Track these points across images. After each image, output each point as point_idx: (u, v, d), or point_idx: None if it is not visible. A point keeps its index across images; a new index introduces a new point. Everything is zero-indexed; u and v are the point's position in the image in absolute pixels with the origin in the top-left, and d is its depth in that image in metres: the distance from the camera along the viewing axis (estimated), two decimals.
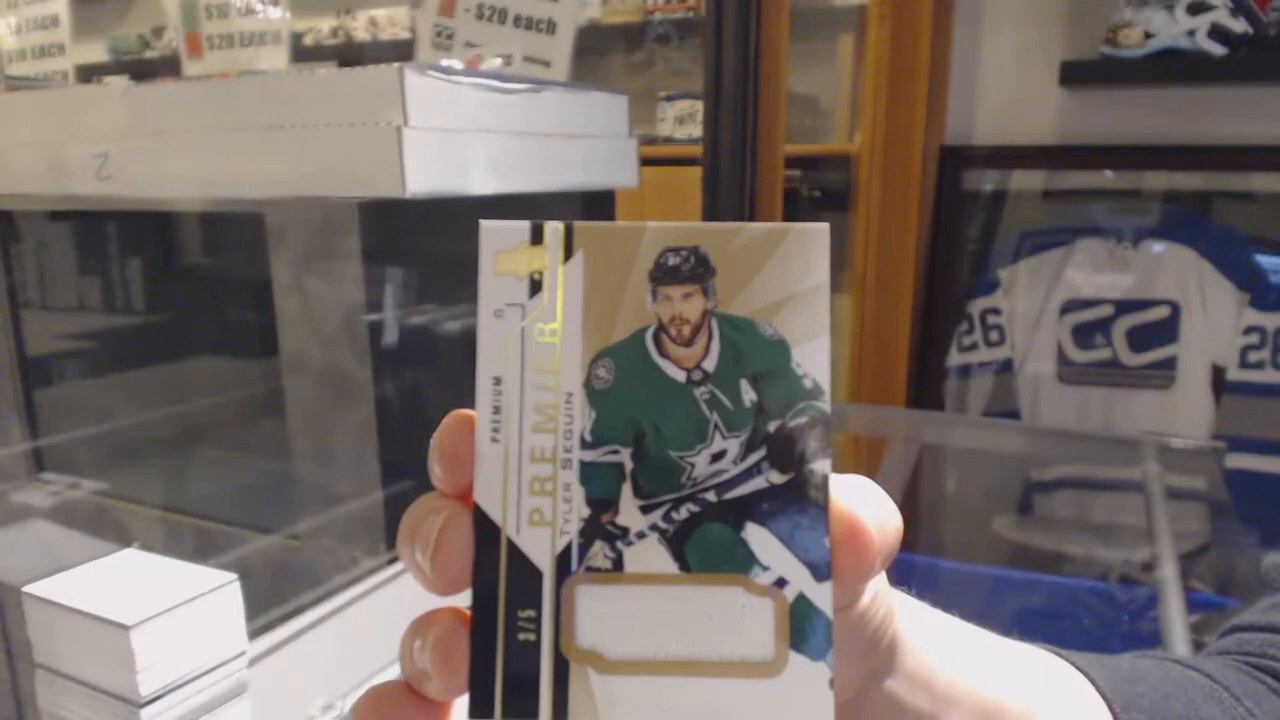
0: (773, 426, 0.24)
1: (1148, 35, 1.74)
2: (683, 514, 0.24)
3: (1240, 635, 0.49)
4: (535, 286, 0.24)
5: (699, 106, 1.76)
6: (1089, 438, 1.76)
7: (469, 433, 0.25)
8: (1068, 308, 1.91)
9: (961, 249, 2.07)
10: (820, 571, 0.24)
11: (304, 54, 3.19)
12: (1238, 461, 1.72)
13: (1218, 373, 1.80)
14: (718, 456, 0.24)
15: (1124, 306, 1.86)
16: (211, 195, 0.90)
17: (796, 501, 0.24)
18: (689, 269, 0.24)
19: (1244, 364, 1.76)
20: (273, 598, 0.79)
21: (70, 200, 0.99)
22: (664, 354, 0.24)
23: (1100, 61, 1.82)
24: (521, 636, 0.24)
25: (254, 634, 0.66)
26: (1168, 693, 0.41)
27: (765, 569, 0.24)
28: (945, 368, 2.05)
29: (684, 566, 0.24)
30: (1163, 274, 1.84)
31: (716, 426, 0.24)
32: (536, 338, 0.24)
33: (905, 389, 2.05)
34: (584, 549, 0.24)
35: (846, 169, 2.37)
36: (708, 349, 0.24)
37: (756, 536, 0.24)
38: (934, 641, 0.33)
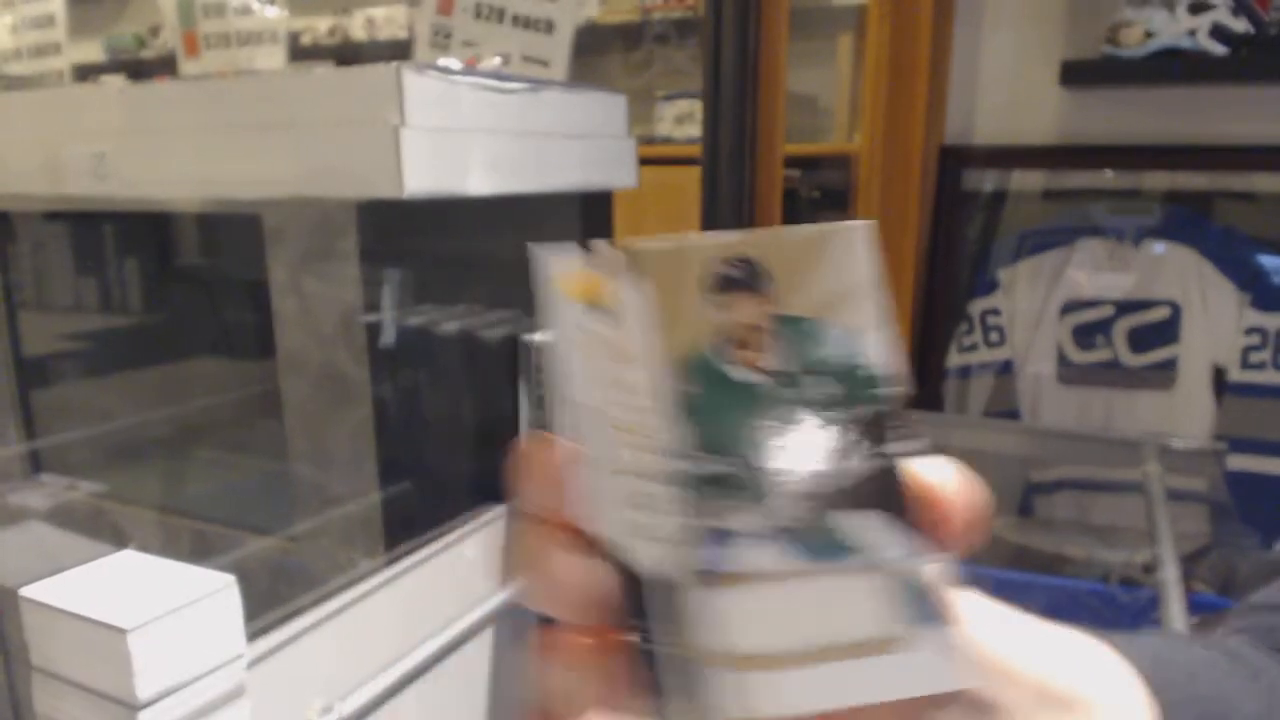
0: (851, 416, 0.25)
1: (1148, 35, 1.73)
2: (784, 510, 0.25)
3: (1257, 618, 0.48)
4: (601, 310, 0.25)
5: (698, 106, 1.77)
6: (1089, 439, 1.76)
7: (559, 456, 0.25)
8: (1068, 308, 1.91)
9: (961, 249, 2.07)
10: (920, 546, 0.25)
11: (301, 53, 3.19)
12: (1239, 463, 1.72)
13: (1219, 373, 1.80)
14: (805, 452, 0.25)
15: (1124, 307, 1.86)
16: (208, 195, 0.89)
17: (886, 484, 0.25)
18: (745, 278, 0.25)
19: (1245, 365, 1.76)
20: (271, 600, 0.79)
21: (66, 200, 0.99)
22: (736, 361, 0.25)
23: (1100, 61, 1.82)
24: (654, 647, 0.24)
25: (252, 636, 0.66)
26: (1192, 672, 0.41)
27: (871, 551, 0.25)
28: (945, 368, 2.05)
29: (797, 560, 0.25)
30: (1163, 274, 1.84)
31: (798, 423, 0.25)
32: (612, 359, 0.24)
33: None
34: (698, 556, 0.24)
35: (846, 169, 2.37)
36: (776, 351, 0.25)
37: (856, 522, 0.25)
38: (984, 621, 0.33)
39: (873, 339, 0.25)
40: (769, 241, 0.25)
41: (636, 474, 0.24)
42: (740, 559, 0.24)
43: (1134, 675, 0.39)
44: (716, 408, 0.25)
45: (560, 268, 0.25)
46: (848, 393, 0.25)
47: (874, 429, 0.25)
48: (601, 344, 0.25)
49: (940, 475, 0.25)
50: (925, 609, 0.25)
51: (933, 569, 0.25)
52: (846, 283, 0.25)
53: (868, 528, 0.25)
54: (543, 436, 0.25)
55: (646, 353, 0.25)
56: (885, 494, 0.25)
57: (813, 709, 0.24)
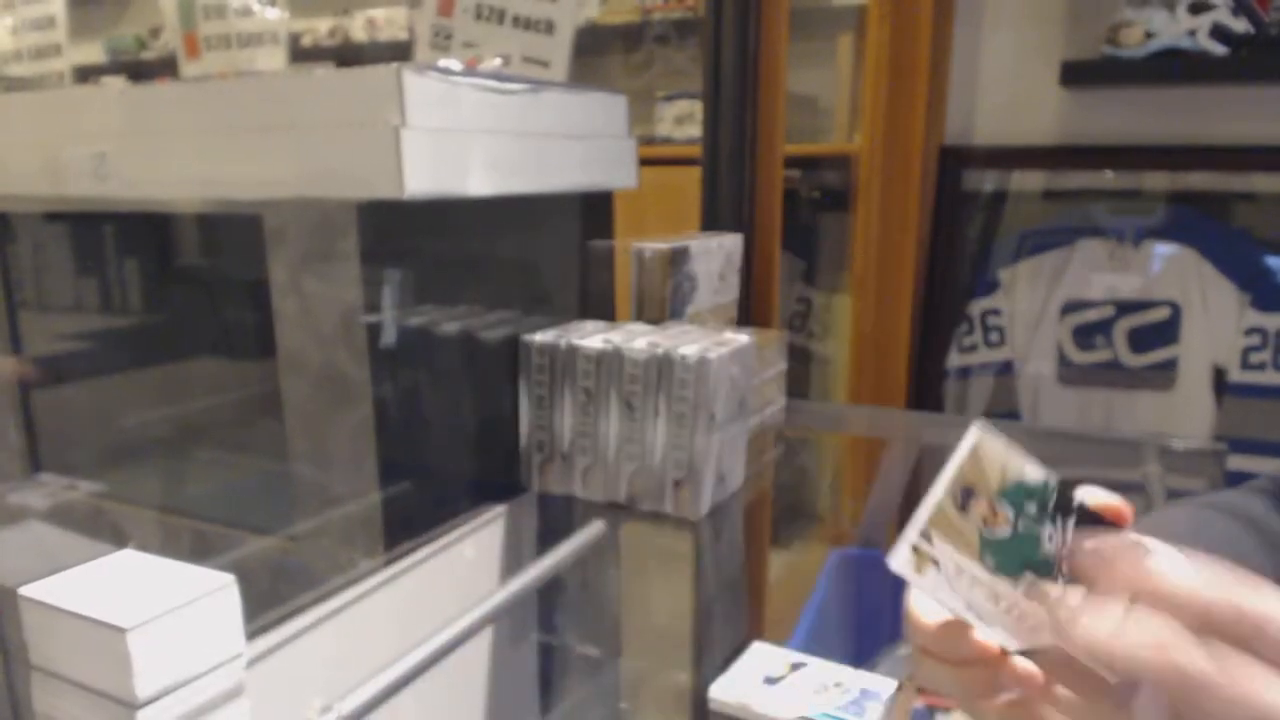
0: (1054, 505, 0.44)
1: (1148, 35, 1.74)
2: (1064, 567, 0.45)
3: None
4: (928, 569, 0.45)
5: (698, 107, 1.77)
6: (1089, 439, 1.75)
7: (972, 635, 0.46)
8: (1068, 308, 1.91)
9: (961, 249, 2.07)
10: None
11: (302, 55, 3.20)
12: (1239, 463, 1.71)
13: (1219, 374, 1.80)
14: (1053, 538, 0.44)
15: (1125, 307, 1.86)
16: (209, 196, 0.90)
17: (1089, 516, 0.45)
18: (970, 495, 0.45)
19: (1245, 365, 1.76)
20: (270, 599, 0.79)
21: (67, 201, 0.99)
22: (994, 529, 0.45)
23: (1101, 61, 1.82)
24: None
25: (251, 635, 0.66)
26: (1219, 540, 0.60)
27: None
28: (945, 369, 2.05)
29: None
30: (1163, 274, 1.84)
31: (1042, 529, 0.44)
32: (960, 579, 0.45)
33: (905, 390, 2.05)
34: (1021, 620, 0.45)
35: (846, 169, 2.37)
36: (1005, 513, 0.45)
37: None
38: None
39: (1028, 467, 0.44)
40: (959, 472, 0.44)
41: (997, 609, 0.45)
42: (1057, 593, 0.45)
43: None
44: (1012, 556, 0.44)
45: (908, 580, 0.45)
46: (1043, 499, 0.44)
47: (1064, 498, 0.44)
48: (951, 578, 0.45)
49: (1103, 496, 0.46)
50: None
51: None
52: (999, 457, 0.44)
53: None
54: (957, 625, 0.46)
55: (967, 563, 0.45)
56: (1092, 519, 0.45)
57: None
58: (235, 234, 0.95)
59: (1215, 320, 1.79)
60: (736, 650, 0.87)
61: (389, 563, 0.87)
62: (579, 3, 1.13)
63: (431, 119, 0.83)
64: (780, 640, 0.89)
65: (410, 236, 0.88)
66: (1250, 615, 0.37)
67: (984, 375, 2.00)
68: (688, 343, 0.98)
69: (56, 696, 0.58)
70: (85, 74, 3.14)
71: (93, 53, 3.71)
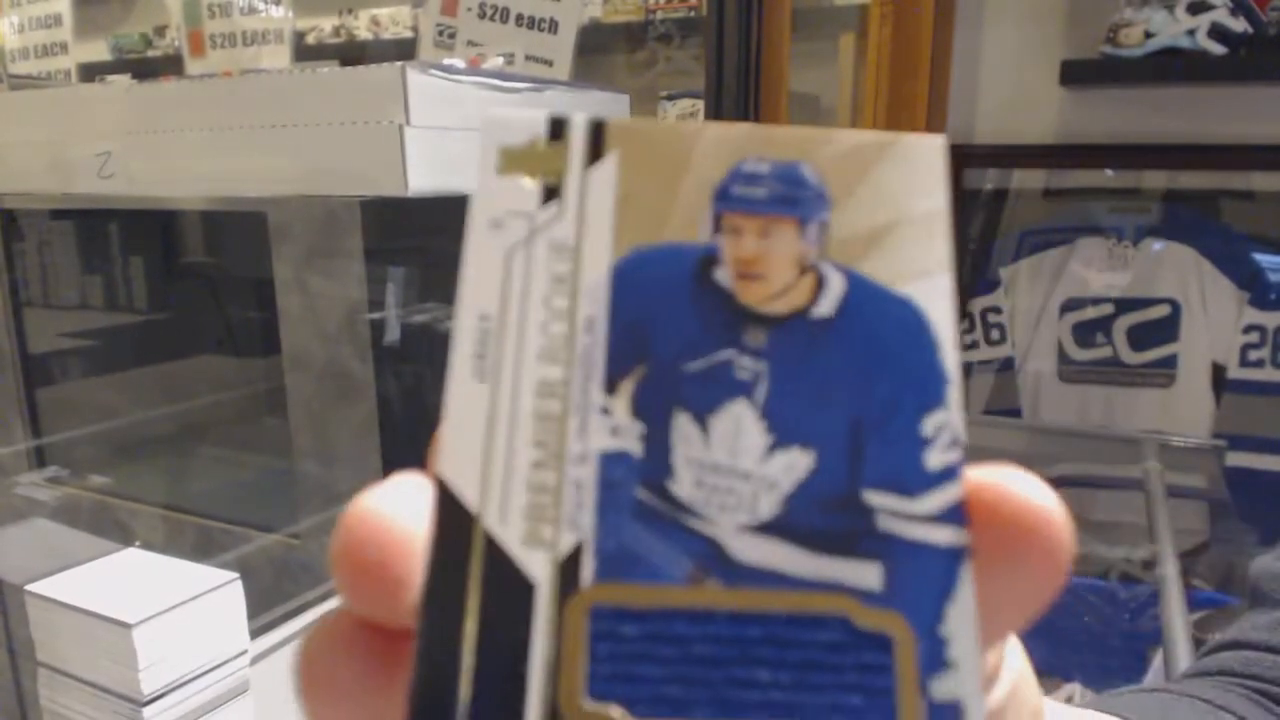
0: None
1: (1148, 34, 1.74)
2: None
3: (1245, 653, 0.49)
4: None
5: (700, 106, 1.77)
6: (1090, 436, 1.76)
7: (397, 521, 0.17)
8: (1068, 306, 1.91)
9: (962, 248, 2.07)
10: None
11: (306, 53, 3.19)
12: (1238, 460, 1.72)
13: (1218, 371, 1.80)
14: None
15: (1124, 305, 1.86)
16: (214, 194, 0.90)
17: None
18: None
19: (1244, 362, 1.76)
20: (274, 596, 0.79)
21: (73, 198, 0.99)
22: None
23: (1101, 61, 1.82)
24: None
25: (256, 632, 0.66)
26: None
27: None
28: None
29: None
30: (1163, 273, 1.84)
31: None
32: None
33: None
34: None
35: None
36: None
37: None
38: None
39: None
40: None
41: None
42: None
43: None
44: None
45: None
46: None
47: None
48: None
49: None
50: None
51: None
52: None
53: None
54: (377, 500, 0.17)
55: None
56: None
57: None
58: (240, 231, 0.95)
59: (1214, 318, 1.80)
60: None
61: None
62: (582, 1, 1.14)
63: (435, 117, 0.83)
64: None
65: (413, 234, 0.88)
66: None
67: (985, 372, 2.00)
68: None
69: (63, 692, 0.58)
70: (91, 72, 3.14)
71: (98, 50, 3.71)
